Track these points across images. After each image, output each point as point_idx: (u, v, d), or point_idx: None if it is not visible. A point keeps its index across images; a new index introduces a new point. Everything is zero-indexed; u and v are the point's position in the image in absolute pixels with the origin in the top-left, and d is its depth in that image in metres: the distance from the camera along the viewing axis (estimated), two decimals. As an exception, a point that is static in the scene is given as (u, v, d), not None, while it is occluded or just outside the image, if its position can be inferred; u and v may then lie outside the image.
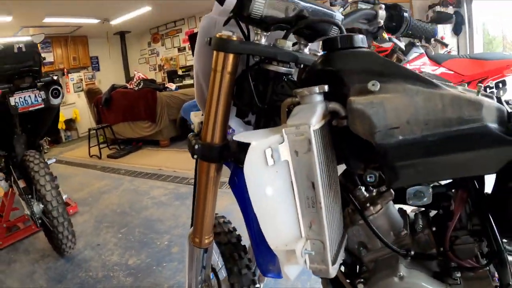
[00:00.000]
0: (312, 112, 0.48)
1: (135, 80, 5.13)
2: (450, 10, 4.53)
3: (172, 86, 5.82)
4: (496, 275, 0.57)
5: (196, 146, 0.68)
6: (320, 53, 0.73)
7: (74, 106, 6.83)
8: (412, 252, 0.57)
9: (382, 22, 0.90)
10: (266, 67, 0.65)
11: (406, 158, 0.46)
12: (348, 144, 0.56)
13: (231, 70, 0.63)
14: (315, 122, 0.46)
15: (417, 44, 2.37)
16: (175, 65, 7.68)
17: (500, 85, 2.29)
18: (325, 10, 0.65)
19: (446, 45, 3.05)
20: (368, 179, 0.52)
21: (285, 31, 0.64)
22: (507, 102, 0.53)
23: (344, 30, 0.61)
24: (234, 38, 0.60)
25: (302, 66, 0.68)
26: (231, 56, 0.62)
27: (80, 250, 2.04)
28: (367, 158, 0.54)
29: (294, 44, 0.67)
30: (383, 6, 0.89)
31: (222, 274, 0.99)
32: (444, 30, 4.14)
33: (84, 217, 2.58)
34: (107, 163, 4.35)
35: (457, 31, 4.27)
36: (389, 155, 0.46)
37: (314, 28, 0.64)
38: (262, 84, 0.66)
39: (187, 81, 7.07)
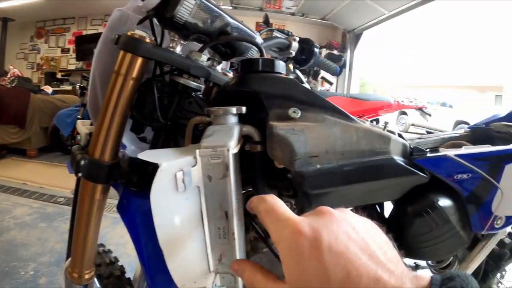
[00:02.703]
0: (230, 135, 0.43)
1: (9, 76, 4.37)
2: (335, 53, 5.22)
3: (49, 89, 5.17)
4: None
5: (82, 162, 0.56)
6: (230, 72, 0.70)
7: None
8: None
9: (293, 53, 0.94)
10: (176, 79, 0.59)
11: (322, 186, 0.46)
12: (259, 171, 0.53)
13: (136, 75, 0.54)
14: (234, 145, 0.42)
15: (305, 80, 2.60)
16: (55, 66, 6.74)
17: (374, 122, 2.68)
18: (248, 30, 0.62)
19: (331, 83, 3.45)
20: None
21: (201, 43, 0.59)
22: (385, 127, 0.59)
23: (265, 53, 0.60)
24: (148, 40, 0.53)
25: (211, 84, 0.64)
26: (139, 60, 0.54)
27: None
28: (280, 185, 0.52)
29: (207, 60, 0.62)
30: (297, 38, 0.93)
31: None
32: (327, 70, 4.72)
33: None
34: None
35: (338, 72, 4.91)
36: (307, 183, 0.45)
37: (233, 47, 0.61)
38: (167, 98, 0.59)
39: (65, 87, 6.32)
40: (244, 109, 0.48)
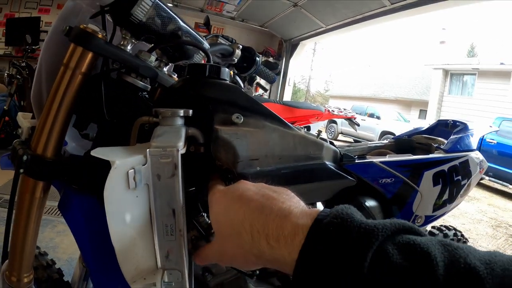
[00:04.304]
0: (178, 136, 0.46)
1: None
2: (271, 60, 5.41)
3: (-26, 74, 4.61)
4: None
5: (25, 158, 0.54)
6: (175, 75, 0.72)
7: None
8: (257, 271, 0.62)
9: (236, 60, 0.98)
10: (124, 77, 0.59)
11: None
12: (201, 171, 0.56)
13: (85, 70, 0.54)
14: (182, 146, 0.44)
15: (240, 85, 2.66)
16: (-20, 50, 6.05)
17: (306, 129, 2.83)
18: (197, 36, 0.65)
19: (266, 90, 3.56)
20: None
21: (151, 44, 0.60)
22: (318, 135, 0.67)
23: (211, 59, 0.63)
24: (100, 35, 0.53)
25: (156, 84, 0.65)
26: (90, 55, 0.53)
27: None
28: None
29: (155, 60, 0.63)
30: (240, 46, 0.97)
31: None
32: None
33: None
34: None
35: (273, 80, 5.10)
36: None
37: (182, 50, 0.63)
38: (114, 95, 0.60)
39: (-8, 71, 5.68)
40: (191, 112, 0.51)
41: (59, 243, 1.99)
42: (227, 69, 0.58)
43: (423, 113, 16.56)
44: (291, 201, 0.38)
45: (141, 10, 0.54)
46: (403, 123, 12.43)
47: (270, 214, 0.36)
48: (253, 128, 0.52)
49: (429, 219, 0.90)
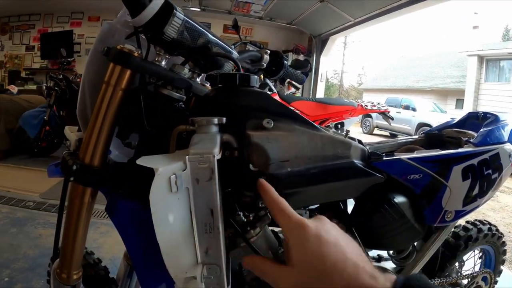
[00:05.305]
0: (214, 143, 0.50)
1: (-29, 74, 4.14)
2: (301, 57, 5.34)
3: (14, 89, 5.02)
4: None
5: (74, 167, 0.60)
6: (207, 83, 0.76)
7: None
8: None
9: (265, 65, 1.01)
10: (160, 90, 0.64)
11: (293, 186, 0.54)
12: (237, 173, 0.60)
13: (125, 86, 0.60)
14: (217, 152, 0.48)
15: (272, 85, 2.68)
16: (19, 65, 6.42)
17: (339, 126, 2.80)
18: (226, 46, 0.69)
19: (298, 88, 3.55)
20: (260, 205, 0.57)
21: (184, 57, 0.65)
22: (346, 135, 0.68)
23: (241, 68, 0.66)
24: (136, 54, 0.58)
25: (191, 94, 0.70)
26: (128, 72, 0.59)
27: None
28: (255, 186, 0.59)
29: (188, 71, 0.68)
30: (268, 51, 1.01)
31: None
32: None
33: None
34: None
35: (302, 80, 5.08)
36: (280, 183, 0.53)
37: (213, 61, 0.67)
38: (152, 107, 0.65)
39: (30, 86, 6.04)
40: (224, 119, 0.55)
41: (102, 243, 2.12)
42: (256, 76, 0.62)
43: (460, 103, 15.68)
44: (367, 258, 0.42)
45: (173, 28, 0.58)
46: (439, 114, 11.93)
47: (363, 272, 0.39)
48: (283, 132, 0.55)
49: (459, 214, 0.89)
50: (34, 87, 5.90)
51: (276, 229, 0.77)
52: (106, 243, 2.14)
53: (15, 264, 1.82)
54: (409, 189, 0.78)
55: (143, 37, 0.63)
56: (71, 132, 0.71)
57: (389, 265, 1.01)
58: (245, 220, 0.71)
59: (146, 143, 0.66)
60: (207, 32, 0.64)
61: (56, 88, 4.12)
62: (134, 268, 0.68)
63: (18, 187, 2.99)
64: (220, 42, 0.68)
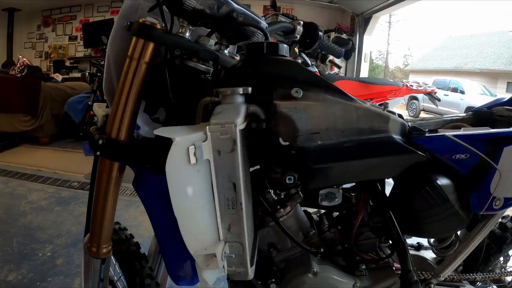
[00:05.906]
0: (237, 112, 0.47)
1: (18, 65, 4.40)
2: (344, 37, 5.16)
3: (59, 77, 5.25)
4: (396, 264, 0.66)
5: (100, 142, 0.60)
6: (237, 56, 0.73)
7: None
8: (322, 250, 0.61)
9: (298, 37, 0.96)
10: (186, 63, 0.62)
11: (324, 161, 0.50)
12: (265, 148, 0.57)
13: (149, 60, 0.58)
14: (240, 122, 0.45)
15: (312, 63, 2.60)
16: (63, 54, 6.81)
17: (382, 106, 2.67)
18: (253, 15, 0.65)
19: (339, 67, 3.41)
20: (287, 181, 0.54)
21: (209, 29, 0.62)
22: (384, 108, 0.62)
23: (269, 37, 0.62)
24: (158, 26, 0.56)
25: (219, 67, 0.67)
26: (151, 45, 0.57)
27: None
28: (284, 161, 0.56)
29: (215, 44, 0.65)
30: (301, 22, 0.95)
31: (119, 286, 0.90)
32: (337, 54, 4.71)
33: None
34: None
35: (347, 56, 4.89)
36: (309, 158, 0.49)
37: (240, 31, 0.64)
38: (178, 80, 0.63)
39: (74, 74, 6.37)
40: (250, 89, 0.51)
41: (142, 221, 2.18)
42: (285, 45, 0.58)
43: (511, 86, 14.59)
44: None
45: None
46: (489, 97, 11.12)
47: None
48: (313, 102, 0.51)
49: (509, 202, 0.79)
50: (78, 74, 6.22)
51: (309, 209, 0.74)
52: (146, 220, 2.19)
53: (58, 240, 1.93)
54: (454, 170, 0.71)
55: (167, 10, 0.61)
56: (99, 108, 0.71)
57: (429, 254, 0.94)
58: (276, 198, 0.68)
59: (173, 117, 0.65)
60: (230, 1, 0.61)
61: (98, 74, 4.28)
62: (159, 243, 0.67)
63: (64, 169, 3.19)
64: (247, 11, 0.64)
